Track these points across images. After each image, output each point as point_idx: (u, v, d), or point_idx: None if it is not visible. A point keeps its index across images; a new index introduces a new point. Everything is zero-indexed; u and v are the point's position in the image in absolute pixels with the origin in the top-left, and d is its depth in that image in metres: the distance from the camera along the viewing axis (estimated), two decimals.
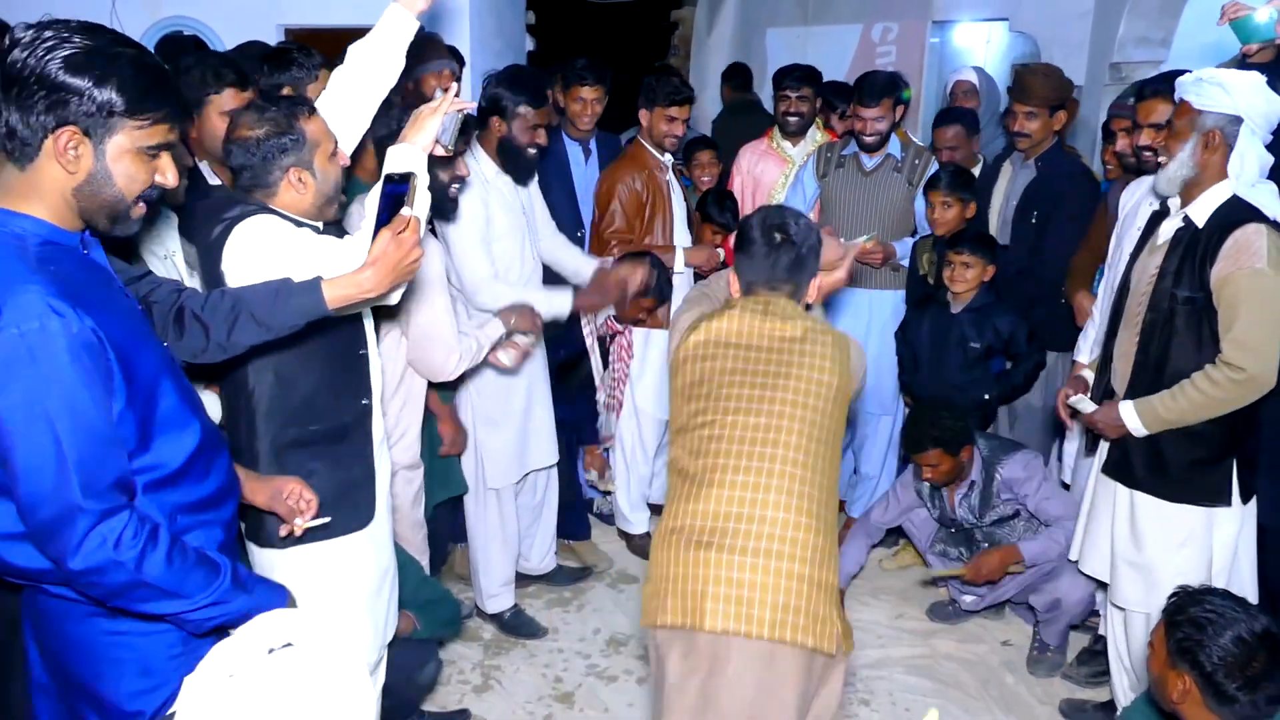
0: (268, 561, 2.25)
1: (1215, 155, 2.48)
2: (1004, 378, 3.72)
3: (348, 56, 2.31)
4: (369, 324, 2.33)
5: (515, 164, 3.25)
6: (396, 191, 1.92)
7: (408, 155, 2.02)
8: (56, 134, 1.48)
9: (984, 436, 3.48)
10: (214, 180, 2.76)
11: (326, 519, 2.13)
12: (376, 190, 1.96)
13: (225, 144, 2.15)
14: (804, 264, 2.24)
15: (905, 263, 4.07)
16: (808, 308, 2.29)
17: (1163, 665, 2.01)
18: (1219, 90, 2.45)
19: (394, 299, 2.03)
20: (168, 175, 1.60)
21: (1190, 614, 1.98)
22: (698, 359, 2.19)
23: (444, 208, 2.85)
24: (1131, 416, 2.62)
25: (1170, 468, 2.62)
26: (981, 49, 7.53)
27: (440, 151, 2.32)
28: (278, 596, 1.78)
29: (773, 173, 4.49)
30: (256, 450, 2.19)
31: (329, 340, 2.18)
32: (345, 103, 2.31)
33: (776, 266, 2.22)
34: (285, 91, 3.00)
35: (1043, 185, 3.80)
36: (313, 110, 2.16)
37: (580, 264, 3.58)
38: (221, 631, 1.69)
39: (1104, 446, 2.80)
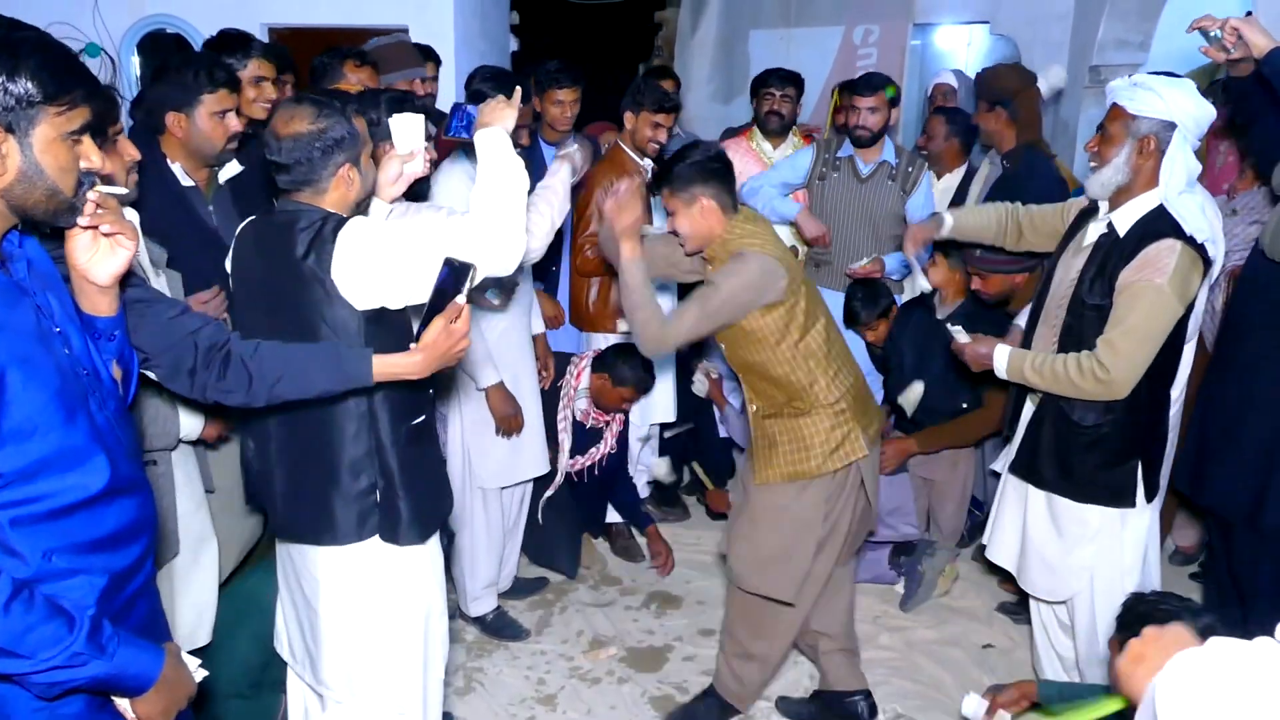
0: (382, 557, 2.21)
1: (1149, 161, 2.49)
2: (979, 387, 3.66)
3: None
4: None
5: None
6: (452, 280, 1.92)
7: (498, 138, 2.21)
8: None
9: None
10: (187, 182, 2.72)
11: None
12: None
13: (273, 140, 2.05)
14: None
15: (896, 276, 4.09)
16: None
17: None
18: (1153, 96, 2.46)
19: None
20: (93, 159, 1.46)
21: (1138, 611, 2.09)
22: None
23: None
24: (1001, 360, 2.69)
25: (1076, 471, 2.67)
26: (963, 51, 7.57)
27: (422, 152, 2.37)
28: (146, 662, 1.51)
29: (750, 172, 4.50)
30: (387, 454, 2.13)
31: (401, 331, 2.17)
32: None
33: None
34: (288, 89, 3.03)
35: (1005, 182, 3.83)
36: (358, 109, 2.16)
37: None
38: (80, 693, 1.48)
39: (1011, 446, 2.88)
